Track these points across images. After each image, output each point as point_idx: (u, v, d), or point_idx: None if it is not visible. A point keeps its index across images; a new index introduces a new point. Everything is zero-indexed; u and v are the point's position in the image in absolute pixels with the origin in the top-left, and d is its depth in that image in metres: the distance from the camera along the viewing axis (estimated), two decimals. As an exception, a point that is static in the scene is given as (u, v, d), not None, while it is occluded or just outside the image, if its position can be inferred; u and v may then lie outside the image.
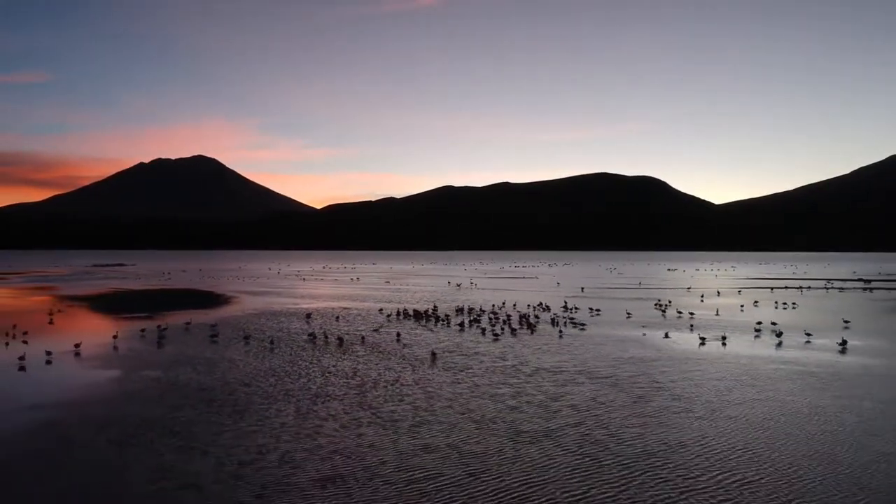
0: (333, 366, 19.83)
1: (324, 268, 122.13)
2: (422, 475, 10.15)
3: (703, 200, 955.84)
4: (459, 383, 17.14)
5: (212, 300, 45.79)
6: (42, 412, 14.18)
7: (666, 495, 9.29)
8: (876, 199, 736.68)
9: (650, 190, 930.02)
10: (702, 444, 11.72)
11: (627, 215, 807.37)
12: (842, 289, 59.04)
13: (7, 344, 24.05)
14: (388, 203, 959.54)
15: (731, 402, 15.07)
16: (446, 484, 9.77)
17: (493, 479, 10.00)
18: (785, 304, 42.26)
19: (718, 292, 53.59)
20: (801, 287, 61.83)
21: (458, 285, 63.15)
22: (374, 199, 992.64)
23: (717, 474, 10.17)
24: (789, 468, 10.46)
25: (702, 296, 49.80)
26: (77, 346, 23.47)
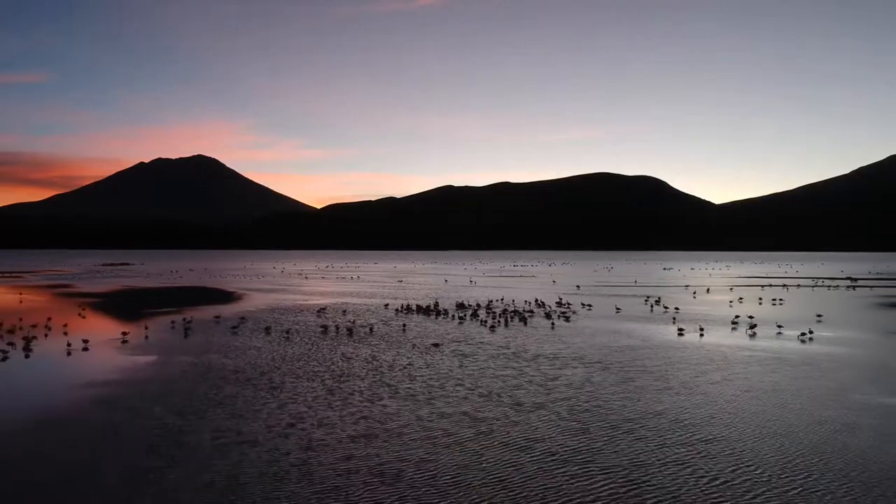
0: (350, 352, 21.80)
1: (326, 267, 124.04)
2: (439, 434, 12.13)
3: (704, 200, 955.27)
4: (465, 366, 19.12)
5: (225, 297, 47.76)
6: (99, 389, 16.14)
7: (642, 449, 11.27)
8: (876, 199, 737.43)
9: (650, 189, 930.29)
10: (676, 413, 13.70)
11: (628, 215, 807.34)
12: (829, 287, 61.05)
13: (46, 335, 26.02)
14: (389, 203, 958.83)
15: (704, 381, 17.07)
16: (460, 440, 11.75)
17: (499, 436, 11.98)
18: (774, 299, 44.25)
19: (708, 290, 55.57)
20: (785, 285, 63.80)
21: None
22: (374, 198, 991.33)
23: (687, 434, 12.15)
24: (746, 429, 12.44)
25: (694, 293, 51.80)
26: (125, 334, 25.66)
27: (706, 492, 9.28)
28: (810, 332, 26.06)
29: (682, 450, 11.19)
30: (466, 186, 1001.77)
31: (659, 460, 10.63)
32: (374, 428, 12.53)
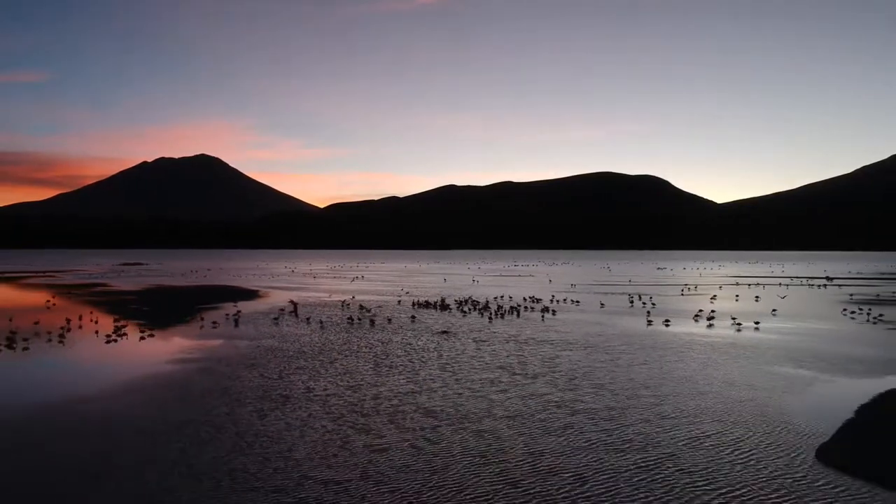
0: (380, 338, 26.14)
1: (336, 267, 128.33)
2: (467, 391, 16.51)
3: (706, 199, 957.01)
4: (479, 349, 23.47)
5: (253, 294, 52.20)
6: (195, 363, 20.49)
7: (615, 399, 15.63)
8: (878, 199, 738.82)
9: (652, 189, 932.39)
10: (641, 379, 18.07)
11: (630, 214, 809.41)
12: (810, 285, 65.29)
13: (124, 326, 30.42)
14: (391, 202, 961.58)
15: (661, 359, 21.47)
16: (484, 394, 16.12)
17: (513, 392, 16.35)
18: (757, 296, 48.57)
19: (691, 288, 59.75)
20: (758, 283, 68.00)
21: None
22: (376, 198, 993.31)
23: (645, 391, 16.51)
24: (683, 388, 16.83)
25: (682, 291, 56.11)
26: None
27: (652, 421, 13.68)
28: (756, 323, 30.46)
29: (642, 400, 15.58)
30: (469, 186, 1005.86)
31: (625, 406, 15.01)
32: (417, 388, 16.93)
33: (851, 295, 50.36)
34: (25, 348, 23.42)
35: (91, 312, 35.95)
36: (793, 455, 11.51)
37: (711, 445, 12.06)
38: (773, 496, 9.61)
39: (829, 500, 9.45)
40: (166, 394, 16.19)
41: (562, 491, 9.84)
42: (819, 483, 10.12)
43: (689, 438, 12.48)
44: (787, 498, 9.53)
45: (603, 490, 9.87)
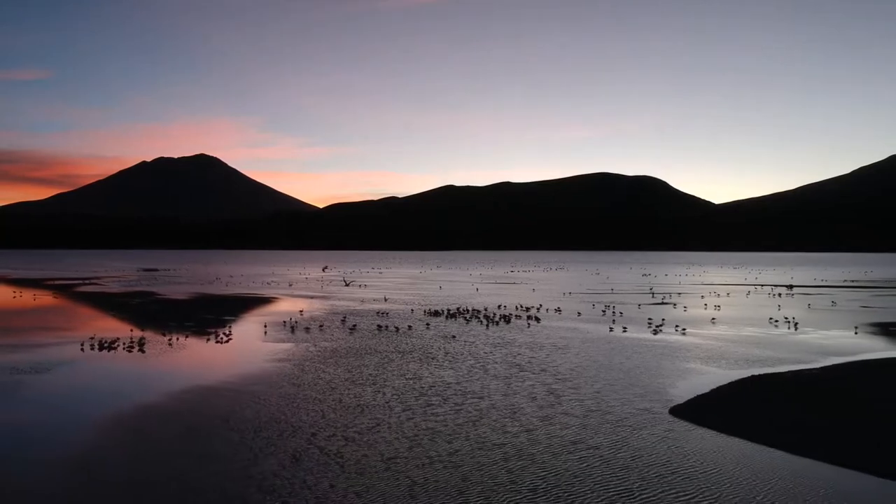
0: (411, 342, 33.07)
1: (349, 272, 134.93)
2: (496, 381, 23.59)
3: (704, 200, 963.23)
4: (497, 348, 30.54)
5: (287, 302, 59.16)
6: (281, 362, 27.40)
7: (587, 382, 22.75)
8: (876, 199, 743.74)
9: (650, 189, 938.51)
10: (602, 370, 25.21)
11: (628, 215, 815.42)
12: (769, 293, 71.58)
13: (212, 330, 37.37)
14: (391, 202, 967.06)
15: (625, 359, 28.63)
16: (507, 382, 23.17)
17: (528, 378, 23.43)
18: (717, 305, 54.80)
19: (666, 296, 66.29)
20: (729, 291, 75.14)
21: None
22: (376, 197, 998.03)
23: (603, 378, 23.63)
24: (610, 372, 23.96)
25: (663, 300, 63.00)
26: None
27: (609, 395, 20.82)
28: (683, 330, 37.48)
29: (602, 383, 22.70)
30: (468, 186, 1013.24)
31: (595, 387, 22.12)
32: (459, 377, 24.01)
33: (780, 306, 54.93)
34: (142, 350, 30.37)
35: (170, 320, 42.98)
36: (658, 410, 19.43)
37: (632, 409, 19.33)
38: (640, 428, 17.52)
39: (664, 432, 17.25)
40: (285, 381, 23.26)
41: (557, 430, 17.00)
42: (663, 423, 18.06)
43: (624, 404, 19.72)
44: (647, 430, 17.36)
45: (578, 430, 17.02)
